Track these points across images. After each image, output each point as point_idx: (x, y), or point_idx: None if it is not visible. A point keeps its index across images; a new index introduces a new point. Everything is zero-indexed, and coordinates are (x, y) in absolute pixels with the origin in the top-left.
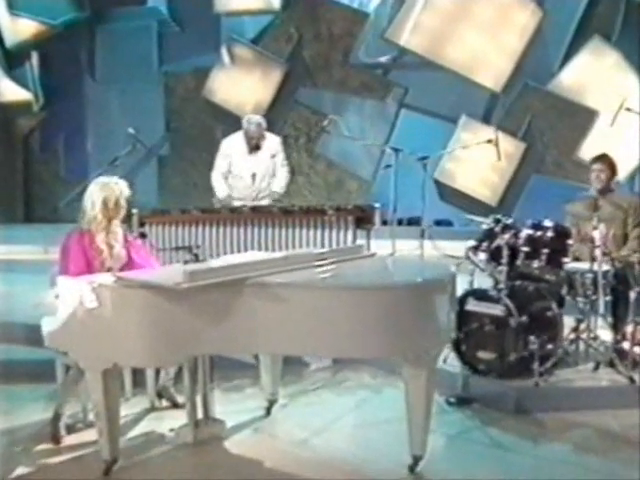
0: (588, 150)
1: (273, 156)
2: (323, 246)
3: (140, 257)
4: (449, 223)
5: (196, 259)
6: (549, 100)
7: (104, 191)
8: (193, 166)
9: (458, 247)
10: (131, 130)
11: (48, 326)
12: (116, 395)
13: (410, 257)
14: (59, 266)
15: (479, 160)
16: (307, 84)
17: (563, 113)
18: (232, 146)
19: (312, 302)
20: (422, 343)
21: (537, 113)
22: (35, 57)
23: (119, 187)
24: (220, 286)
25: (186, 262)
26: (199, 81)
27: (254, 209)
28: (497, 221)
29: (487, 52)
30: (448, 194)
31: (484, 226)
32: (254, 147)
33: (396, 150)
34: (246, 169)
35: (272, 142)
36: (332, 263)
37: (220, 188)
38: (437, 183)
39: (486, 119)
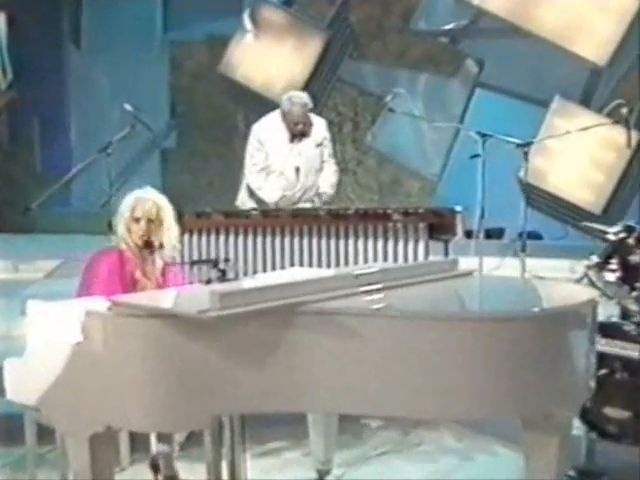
0: None
1: (319, 145)
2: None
3: None
4: (537, 236)
5: (222, 277)
6: None
7: (136, 209)
8: (206, 161)
9: (551, 267)
10: (128, 107)
11: (12, 371)
12: (108, 465)
13: (517, 278)
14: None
15: (578, 154)
16: (354, 57)
17: None
18: (267, 133)
19: (395, 338)
20: (553, 399)
21: None
22: (2, 19)
23: (157, 203)
24: (262, 315)
25: (208, 281)
26: (214, 53)
27: (295, 213)
28: (629, 229)
29: (588, 14)
30: (535, 198)
31: (611, 237)
32: (299, 134)
33: (484, 135)
34: (288, 162)
35: (319, 127)
36: (418, 283)
37: (268, 189)
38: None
39: (585, 101)
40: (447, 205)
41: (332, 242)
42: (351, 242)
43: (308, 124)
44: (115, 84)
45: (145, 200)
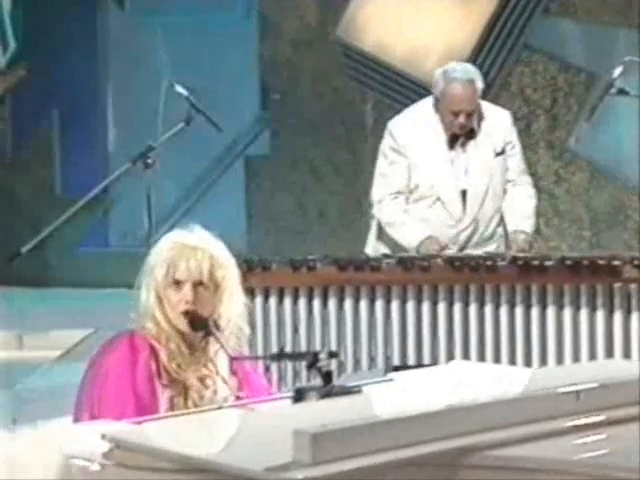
0: None
1: (499, 153)
2: (621, 353)
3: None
4: None
5: (326, 383)
6: None
7: (177, 265)
8: (316, 177)
9: None
10: (180, 89)
11: None
12: None
13: None
14: (77, 407)
15: None
16: (551, 12)
17: None
18: (411, 134)
19: None
20: None
21: None
22: None
23: (210, 255)
24: (392, 471)
25: (299, 395)
26: (328, 10)
27: (455, 263)
28: None
29: None
30: None
31: None
32: (462, 133)
33: None
34: (447, 183)
35: (499, 123)
36: None
37: (407, 226)
38: None
39: None
40: None
41: (518, 312)
42: (551, 313)
43: (477, 116)
44: (176, 59)
45: (191, 251)
